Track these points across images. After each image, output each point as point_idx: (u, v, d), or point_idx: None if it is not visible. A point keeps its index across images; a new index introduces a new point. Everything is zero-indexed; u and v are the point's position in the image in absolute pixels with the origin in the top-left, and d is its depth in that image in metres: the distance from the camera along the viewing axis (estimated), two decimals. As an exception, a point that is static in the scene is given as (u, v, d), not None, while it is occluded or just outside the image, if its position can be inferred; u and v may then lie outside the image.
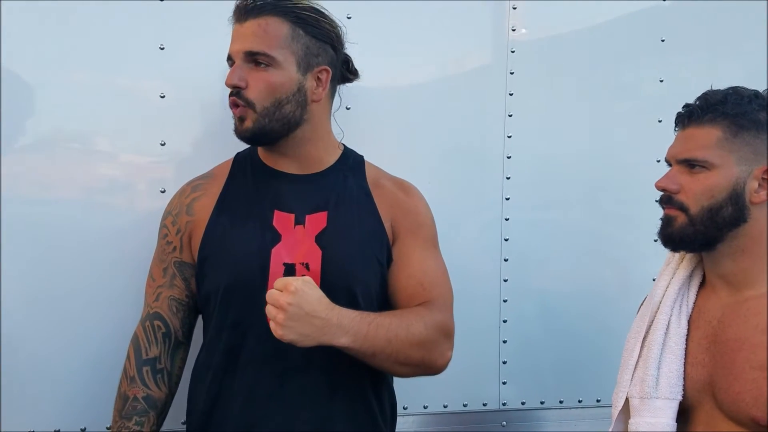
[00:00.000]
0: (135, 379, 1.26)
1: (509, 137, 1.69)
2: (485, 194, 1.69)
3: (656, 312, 1.18)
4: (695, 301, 1.17)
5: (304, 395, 1.23)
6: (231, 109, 1.25)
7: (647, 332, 1.18)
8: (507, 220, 1.69)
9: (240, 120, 1.24)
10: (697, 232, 1.10)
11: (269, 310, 1.10)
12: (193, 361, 1.33)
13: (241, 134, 1.25)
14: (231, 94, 1.24)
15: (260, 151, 1.33)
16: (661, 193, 1.15)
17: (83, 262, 1.44)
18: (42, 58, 1.42)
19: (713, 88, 1.16)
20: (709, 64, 1.79)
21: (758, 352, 1.02)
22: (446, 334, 1.25)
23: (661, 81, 1.76)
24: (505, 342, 1.69)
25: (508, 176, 1.69)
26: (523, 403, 1.70)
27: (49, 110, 1.43)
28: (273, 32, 1.22)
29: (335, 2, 1.32)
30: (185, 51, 1.49)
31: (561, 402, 1.72)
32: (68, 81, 1.44)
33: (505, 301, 1.69)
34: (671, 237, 1.13)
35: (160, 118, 1.49)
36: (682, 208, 1.11)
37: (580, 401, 1.73)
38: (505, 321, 1.69)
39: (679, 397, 1.11)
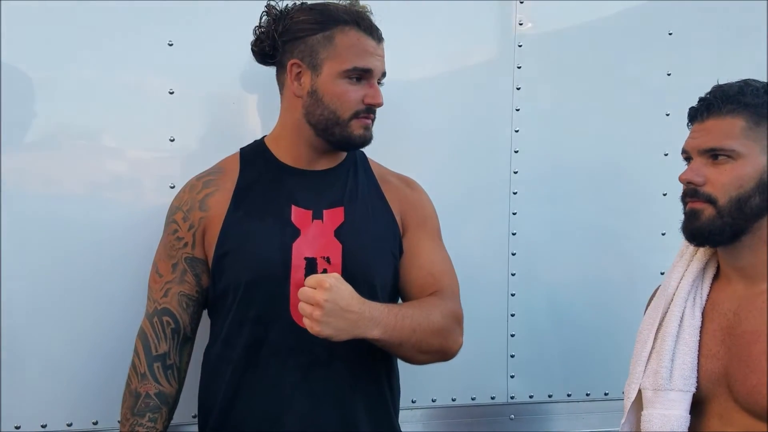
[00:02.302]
0: (146, 376, 1.27)
1: (516, 131, 1.69)
2: (493, 189, 1.69)
3: (670, 304, 1.17)
4: (709, 293, 1.16)
5: (327, 387, 1.25)
6: None
7: (660, 324, 1.17)
8: (515, 214, 1.69)
9: None
10: (725, 224, 1.07)
11: (303, 307, 1.12)
12: (198, 355, 1.34)
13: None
14: None
15: (273, 147, 1.34)
16: (683, 188, 1.13)
17: (92, 258, 1.45)
18: (49, 55, 1.42)
19: (721, 82, 1.15)
20: (717, 57, 1.79)
21: None
22: (458, 321, 1.29)
23: (669, 74, 1.76)
24: (513, 336, 1.69)
25: (516, 170, 1.69)
26: (531, 397, 1.71)
27: (57, 107, 1.44)
28: None
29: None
30: (194, 47, 1.49)
31: (569, 395, 1.73)
32: (76, 77, 1.44)
33: (513, 294, 1.69)
34: (699, 231, 1.10)
35: (169, 114, 1.49)
36: (710, 200, 1.08)
37: (588, 394, 1.74)
38: (513, 315, 1.69)
39: (693, 389, 1.11)
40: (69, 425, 1.44)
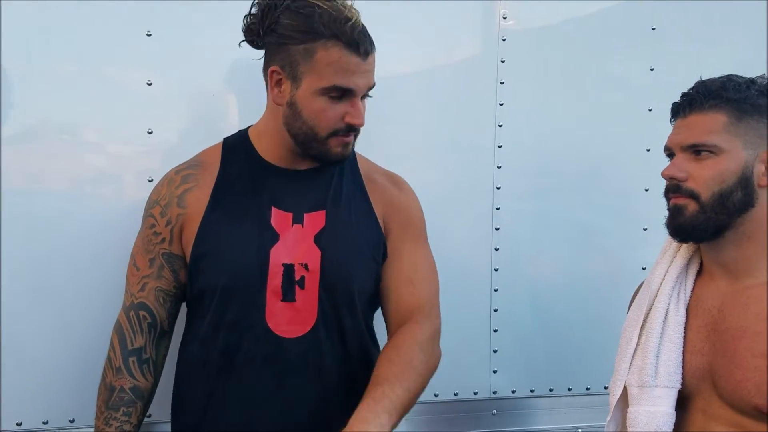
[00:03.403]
0: (121, 370, 1.25)
1: (500, 126, 1.68)
2: (476, 184, 1.68)
3: (654, 300, 1.17)
4: (693, 289, 1.16)
5: (302, 396, 1.23)
6: None
7: (645, 321, 1.17)
8: (498, 209, 1.68)
9: None
10: (708, 220, 1.08)
11: None
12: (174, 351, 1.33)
13: None
14: None
15: (256, 143, 1.30)
16: (666, 183, 1.13)
17: (71, 253, 1.42)
18: (26, 48, 1.39)
19: (704, 78, 1.14)
20: (700, 53, 1.79)
21: (760, 341, 1.02)
22: (436, 337, 1.29)
23: (652, 70, 1.76)
24: (495, 331, 1.69)
25: (499, 165, 1.69)
26: (513, 392, 1.71)
27: (34, 100, 1.41)
28: None
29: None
30: (172, 38, 1.46)
31: (551, 390, 1.73)
32: (53, 69, 1.41)
33: (495, 290, 1.69)
34: (683, 227, 1.10)
35: (147, 106, 1.46)
36: (693, 196, 1.08)
37: (569, 389, 1.74)
38: (495, 310, 1.69)
39: (678, 386, 1.11)
40: (45, 423, 1.42)
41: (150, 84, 1.46)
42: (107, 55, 1.44)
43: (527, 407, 1.72)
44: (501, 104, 1.68)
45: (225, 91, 1.55)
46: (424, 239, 1.36)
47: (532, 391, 1.72)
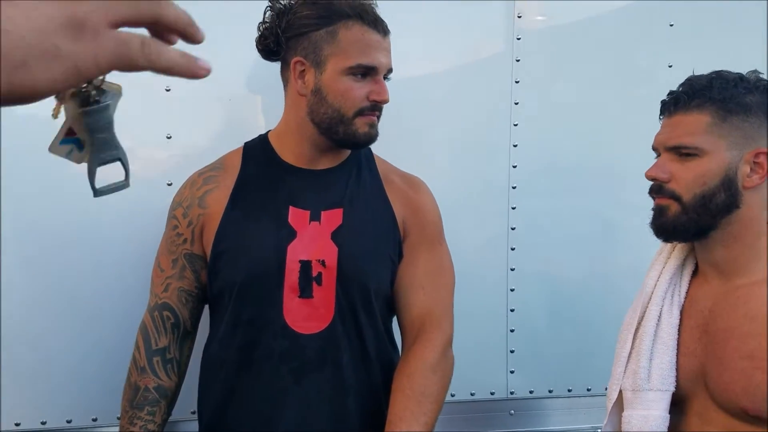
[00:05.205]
0: (146, 369, 1.27)
1: (515, 125, 1.68)
2: (492, 183, 1.68)
3: (648, 303, 1.16)
4: (688, 290, 1.15)
5: (320, 392, 1.24)
6: None
7: (639, 323, 1.16)
8: (514, 209, 1.68)
9: None
10: (690, 221, 1.07)
11: None
12: (199, 350, 1.35)
13: None
14: None
15: (275, 144, 1.32)
16: (651, 184, 1.13)
17: (91, 256, 1.45)
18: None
19: (695, 74, 1.12)
20: (719, 48, 1.76)
21: (747, 342, 1.01)
22: (449, 345, 1.30)
23: (671, 66, 1.74)
24: (512, 331, 1.69)
25: (515, 165, 1.68)
26: (531, 392, 1.70)
27: (53, 104, 1.43)
28: None
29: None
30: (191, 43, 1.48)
31: (569, 390, 1.72)
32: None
33: (512, 290, 1.68)
34: (664, 227, 1.10)
35: (166, 111, 1.49)
36: (675, 197, 1.08)
37: (588, 389, 1.73)
38: (512, 310, 1.68)
39: (672, 389, 1.10)
40: (69, 422, 1.45)
41: (169, 90, 1.49)
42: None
43: (545, 407, 1.72)
44: (516, 103, 1.68)
45: (243, 96, 1.57)
46: (440, 242, 1.36)
47: (550, 391, 1.71)
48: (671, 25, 1.74)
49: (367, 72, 1.22)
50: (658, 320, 1.13)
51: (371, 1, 1.26)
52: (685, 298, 1.14)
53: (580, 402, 1.73)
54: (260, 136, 1.37)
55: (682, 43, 1.74)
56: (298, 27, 1.23)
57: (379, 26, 1.23)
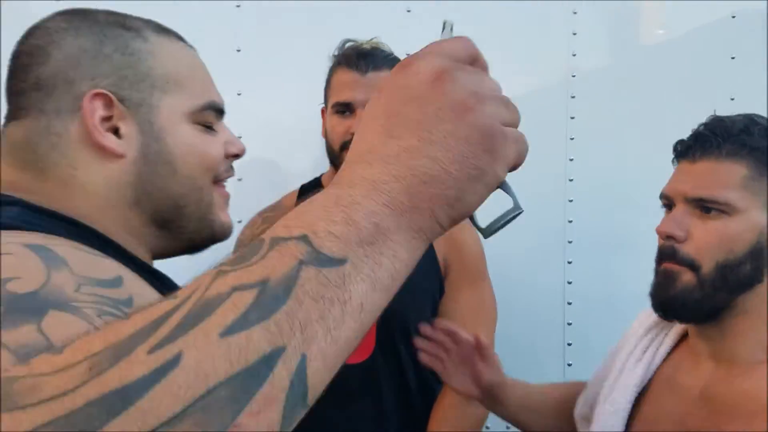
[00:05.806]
0: None
1: (571, 160, 1.71)
2: (547, 213, 1.69)
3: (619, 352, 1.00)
4: (670, 352, 0.97)
5: (360, 422, 1.30)
6: None
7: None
8: (570, 243, 1.70)
9: None
10: (705, 298, 0.84)
11: None
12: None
13: None
14: None
15: (326, 184, 1.40)
16: (659, 242, 0.90)
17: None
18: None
19: (717, 114, 0.92)
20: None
21: (754, 423, 0.81)
22: None
23: (732, 99, 1.71)
24: (570, 324, 1.69)
25: (571, 199, 1.71)
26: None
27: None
28: None
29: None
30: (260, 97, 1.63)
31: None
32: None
33: (569, 303, 1.69)
34: (671, 302, 0.87)
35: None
36: (691, 264, 0.85)
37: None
38: (569, 324, 1.69)
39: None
40: None
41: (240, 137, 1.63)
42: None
43: None
44: (572, 138, 1.71)
45: (300, 135, 1.68)
46: (482, 278, 1.39)
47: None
48: (732, 58, 1.71)
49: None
50: (619, 374, 0.97)
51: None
52: (667, 359, 0.96)
53: None
54: (314, 179, 1.47)
55: (743, 76, 1.70)
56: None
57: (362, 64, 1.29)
